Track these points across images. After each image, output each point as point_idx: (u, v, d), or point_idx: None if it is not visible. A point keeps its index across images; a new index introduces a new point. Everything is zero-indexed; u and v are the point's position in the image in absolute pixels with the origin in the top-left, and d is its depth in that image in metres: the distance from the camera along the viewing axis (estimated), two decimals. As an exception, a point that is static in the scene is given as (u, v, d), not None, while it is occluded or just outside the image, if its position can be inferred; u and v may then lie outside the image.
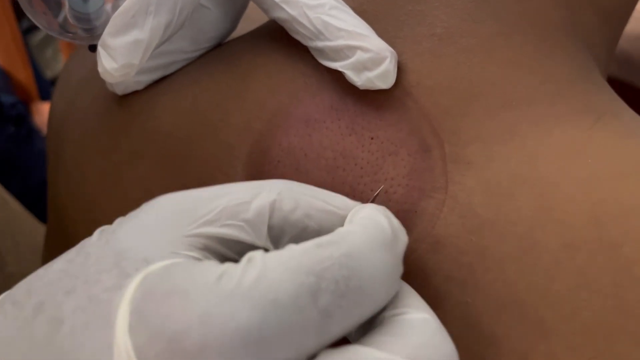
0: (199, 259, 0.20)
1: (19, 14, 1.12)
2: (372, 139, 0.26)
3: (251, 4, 0.30)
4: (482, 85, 0.25)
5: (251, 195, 0.20)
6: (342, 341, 0.19)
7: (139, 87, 0.30)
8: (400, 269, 0.20)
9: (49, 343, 0.18)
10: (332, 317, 0.17)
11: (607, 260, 0.21)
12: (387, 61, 0.25)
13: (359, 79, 0.25)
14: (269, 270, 0.17)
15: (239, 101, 0.28)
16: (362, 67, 0.25)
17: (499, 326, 0.22)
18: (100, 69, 0.26)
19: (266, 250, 0.20)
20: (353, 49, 0.25)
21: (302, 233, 0.21)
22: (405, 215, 0.25)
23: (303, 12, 0.26)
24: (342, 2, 0.26)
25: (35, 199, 0.95)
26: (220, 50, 0.31)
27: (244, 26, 0.32)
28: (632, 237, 0.21)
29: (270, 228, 0.20)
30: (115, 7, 0.27)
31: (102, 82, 0.33)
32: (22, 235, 0.77)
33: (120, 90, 0.30)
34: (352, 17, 0.26)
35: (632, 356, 0.20)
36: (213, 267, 0.18)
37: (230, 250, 0.20)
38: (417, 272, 0.24)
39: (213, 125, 0.28)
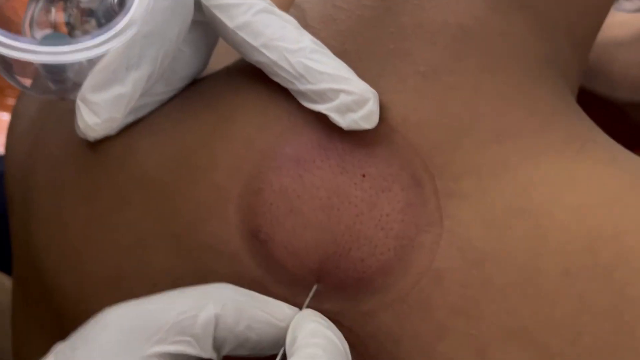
0: None
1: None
2: (363, 176, 0.26)
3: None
4: (471, 120, 0.26)
5: (197, 308, 0.22)
6: None
7: (112, 132, 0.30)
8: None
9: None
10: None
11: (603, 284, 0.23)
12: (371, 102, 0.25)
13: (344, 121, 0.26)
14: None
15: (226, 142, 0.28)
16: (346, 109, 0.26)
17: (505, 354, 0.23)
18: (81, 124, 0.26)
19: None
20: (336, 92, 0.26)
21: (243, 343, 0.23)
22: (403, 250, 0.25)
23: (283, 57, 0.26)
24: (321, 45, 0.27)
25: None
26: (198, 89, 0.30)
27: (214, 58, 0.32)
28: (622, 260, 0.23)
29: (214, 339, 0.22)
30: (90, 61, 0.26)
31: (70, 126, 0.32)
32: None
33: (92, 137, 0.30)
34: (333, 60, 0.26)
35: None
36: None
37: None
38: (419, 305, 0.25)
39: (201, 168, 0.28)
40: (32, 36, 0.25)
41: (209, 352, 0.22)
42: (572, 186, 0.24)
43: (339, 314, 0.26)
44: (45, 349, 0.33)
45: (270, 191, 0.26)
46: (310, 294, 0.25)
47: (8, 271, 0.64)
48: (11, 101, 1.15)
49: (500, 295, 0.24)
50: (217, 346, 0.22)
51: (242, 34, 0.27)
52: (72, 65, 0.26)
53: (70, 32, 0.26)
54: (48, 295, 0.31)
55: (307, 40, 0.26)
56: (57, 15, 0.26)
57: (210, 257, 0.27)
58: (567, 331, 0.23)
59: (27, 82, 0.26)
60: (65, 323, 0.31)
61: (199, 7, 0.27)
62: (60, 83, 0.26)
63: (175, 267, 0.27)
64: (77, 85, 0.25)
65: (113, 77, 0.25)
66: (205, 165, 0.28)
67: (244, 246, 0.27)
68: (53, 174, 0.32)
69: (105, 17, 0.26)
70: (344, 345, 0.22)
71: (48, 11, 0.26)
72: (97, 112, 0.25)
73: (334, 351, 0.21)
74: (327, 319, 0.23)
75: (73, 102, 0.30)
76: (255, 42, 0.26)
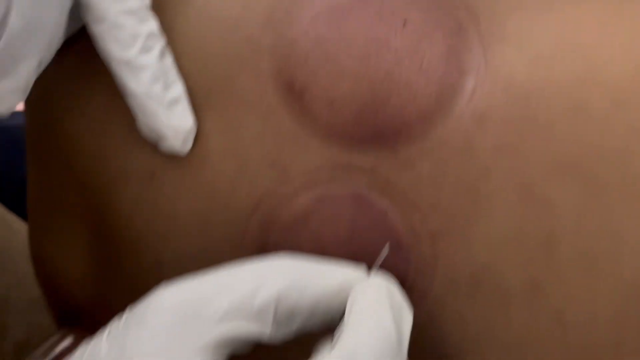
0: None
1: None
2: (404, 23, 0.25)
3: None
4: None
5: (255, 288, 0.20)
6: None
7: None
8: None
9: None
10: None
11: None
12: None
13: None
14: None
15: None
16: None
17: (552, 188, 0.23)
18: None
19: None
20: None
21: (310, 317, 0.21)
22: (444, 95, 0.25)
23: None
24: None
25: None
26: None
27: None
28: None
29: (277, 317, 0.21)
30: None
31: None
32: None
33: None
34: None
35: None
36: None
37: (237, 343, 0.21)
38: (462, 148, 0.24)
39: (231, 20, 0.27)
40: None
41: (268, 330, 0.20)
42: (620, 22, 0.24)
43: (375, 165, 0.25)
44: (60, 231, 0.32)
45: (305, 41, 0.26)
46: (381, 256, 0.24)
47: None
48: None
49: (546, 129, 0.23)
50: (282, 323, 0.21)
51: None
52: None
53: None
54: (66, 167, 0.30)
55: None
56: None
57: (243, 111, 0.26)
58: (616, 160, 0.22)
59: None
60: (83, 197, 0.30)
61: None
62: None
63: (207, 122, 0.27)
64: None
65: (2, 72, 0.24)
66: (235, 18, 0.27)
67: (278, 99, 0.26)
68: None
69: None
70: (400, 332, 0.20)
71: None
72: None
73: (381, 345, 0.19)
74: (395, 289, 0.21)
75: None
76: None
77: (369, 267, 0.25)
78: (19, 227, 0.65)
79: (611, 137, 0.22)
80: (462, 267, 0.24)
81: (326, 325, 0.21)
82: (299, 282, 0.21)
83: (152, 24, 0.25)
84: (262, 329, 0.20)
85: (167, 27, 0.28)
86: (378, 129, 0.25)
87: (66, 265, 0.32)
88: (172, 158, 0.27)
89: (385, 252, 0.24)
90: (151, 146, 0.27)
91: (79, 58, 0.29)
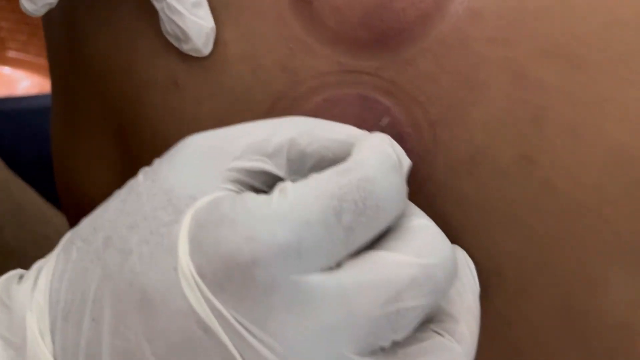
0: (234, 191, 0.22)
1: None
2: None
3: None
4: None
5: (271, 133, 0.23)
6: None
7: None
8: (405, 188, 0.23)
9: (121, 269, 0.21)
10: (355, 231, 0.21)
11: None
12: None
13: None
14: (299, 197, 0.21)
15: None
16: None
17: (541, 70, 0.26)
18: (22, 7, 0.28)
19: (284, 179, 0.23)
20: None
21: (320, 162, 0.23)
22: None
23: None
24: None
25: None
26: None
27: None
28: None
29: (290, 160, 0.23)
30: None
31: None
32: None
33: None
34: None
35: None
36: (251, 199, 0.21)
37: (256, 181, 0.23)
38: (457, 43, 0.27)
39: None
40: None
41: (283, 171, 0.23)
42: None
43: (380, 67, 0.28)
44: (91, 146, 0.34)
45: None
46: (381, 123, 0.27)
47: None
48: (12, 54, 1.15)
49: (534, 19, 0.26)
50: (295, 167, 0.23)
51: None
52: None
53: None
54: (93, 86, 0.32)
55: None
56: None
57: (257, 20, 0.29)
58: (597, 42, 0.25)
59: None
60: (110, 112, 0.32)
61: None
62: None
63: (224, 31, 0.29)
64: None
65: None
66: None
67: (288, 7, 0.28)
68: None
69: None
70: (400, 158, 0.23)
71: None
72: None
73: (383, 159, 0.22)
74: (393, 140, 0.24)
75: None
76: None
77: None
78: (32, 193, 0.67)
79: (591, 21, 0.25)
80: (461, 151, 0.27)
81: None
82: (310, 130, 0.23)
83: None
84: (277, 168, 0.23)
85: None
86: (382, 32, 0.28)
87: (92, 188, 0.35)
88: (194, 65, 0.29)
89: (385, 121, 0.27)
90: (174, 55, 0.29)
91: None
